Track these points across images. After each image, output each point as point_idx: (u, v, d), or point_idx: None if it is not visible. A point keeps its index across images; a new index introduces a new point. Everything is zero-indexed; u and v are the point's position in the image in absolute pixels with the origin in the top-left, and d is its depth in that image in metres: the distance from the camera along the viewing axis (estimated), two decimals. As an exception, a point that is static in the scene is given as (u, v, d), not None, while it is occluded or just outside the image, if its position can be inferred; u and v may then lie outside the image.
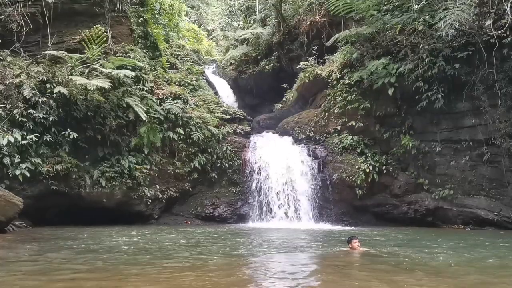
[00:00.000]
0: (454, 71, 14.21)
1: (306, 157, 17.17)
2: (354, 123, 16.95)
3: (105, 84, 13.54)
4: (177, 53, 26.00)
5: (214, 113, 18.84)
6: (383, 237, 11.55)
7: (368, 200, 16.52)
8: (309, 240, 10.87)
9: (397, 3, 16.25)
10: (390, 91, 15.62)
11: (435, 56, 14.61)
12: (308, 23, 21.63)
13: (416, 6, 14.38)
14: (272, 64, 23.94)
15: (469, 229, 14.83)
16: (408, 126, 16.17)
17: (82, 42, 14.58)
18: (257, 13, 27.73)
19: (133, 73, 14.74)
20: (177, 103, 16.77)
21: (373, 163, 16.17)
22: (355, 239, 8.13)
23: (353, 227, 15.06)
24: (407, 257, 7.79)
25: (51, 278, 5.47)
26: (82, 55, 14.58)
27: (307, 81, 18.98)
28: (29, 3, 15.07)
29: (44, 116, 13.17)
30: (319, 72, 18.40)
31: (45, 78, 13.68)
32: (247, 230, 13.61)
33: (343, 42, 17.83)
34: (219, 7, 38.45)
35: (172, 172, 16.38)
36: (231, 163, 17.47)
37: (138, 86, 16.00)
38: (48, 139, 13.26)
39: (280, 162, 17.02)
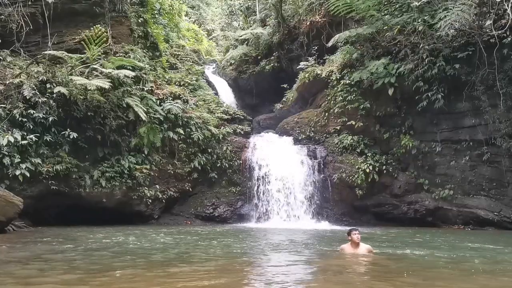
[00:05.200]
0: (454, 71, 14.22)
1: (306, 157, 17.18)
2: (354, 123, 16.95)
3: (105, 84, 13.53)
4: (177, 53, 25.97)
5: (214, 113, 18.83)
6: (384, 237, 11.55)
7: (368, 200, 16.53)
8: (309, 241, 10.87)
9: (397, 5, 16.25)
10: (390, 91, 15.63)
11: (435, 56, 14.61)
12: (308, 23, 21.64)
13: (417, 3, 14.35)
14: (272, 64, 23.94)
15: (469, 229, 14.84)
16: (408, 126, 16.18)
17: (82, 42, 14.58)
18: (257, 13, 27.74)
19: (133, 73, 14.73)
20: (177, 103, 16.76)
21: (373, 163, 16.17)
22: (355, 230, 7.85)
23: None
24: (410, 258, 7.79)
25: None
26: (82, 55, 14.58)
27: (307, 81, 18.98)
28: (29, 3, 15.06)
29: (44, 116, 13.16)
30: (319, 72, 18.40)
31: (45, 78, 13.67)
32: (247, 230, 13.60)
33: (343, 42, 17.84)
34: (219, 7, 38.45)
35: (172, 172, 16.38)
36: (231, 163, 17.46)
37: (138, 86, 15.99)
38: (48, 139, 13.25)
39: (280, 162, 17.02)
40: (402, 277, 5.93)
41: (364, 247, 7.87)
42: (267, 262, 7.42)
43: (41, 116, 13.11)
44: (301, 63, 20.01)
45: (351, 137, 17.00)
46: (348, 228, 8.46)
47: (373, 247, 8.08)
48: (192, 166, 16.66)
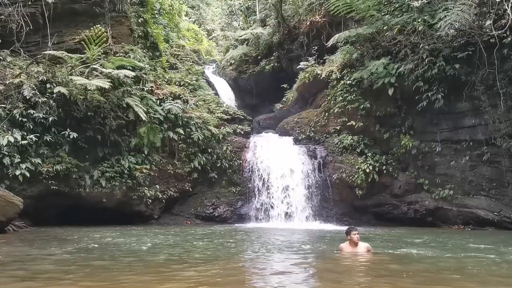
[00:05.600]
0: (454, 71, 14.21)
1: (306, 157, 17.17)
2: (354, 123, 16.95)
3: (105, 84, 13.54)
4: (177, 53, 25.97)
5: (214, 113, 18.82)
6: (384, 237, 11.55)
7: (368, 200, 16.52)
8: (308, 241, 10.86)
9: (397, 4, 16.25)
10: (390, 91, 15.62)
11: (435, 56, 14.61)
12: (308, 23, 21.64)
13: (417, 3, 14.35)
14: (272, 64, 23.95)
15: (469, 229, 14.83)
16: (408, 126, 16.18)
17: (82, 42, 14.58)
18: (257, 13, 27.74)
19: (133, 73, 14.73)
20: (177, 103, 16.76)
21: (373, 163, 16.16)
22: (355, 230, 7.79)
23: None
24: (413, 259, 7.78)
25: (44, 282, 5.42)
26: (82, 55, 14.59)
27: (307, 81, 18.98)
28: (29, 3, 15.07)
29: (44, 116, 13.17)
30: (319, 72, 18.40)
31: (45, 78, 13.68)
32: (247, 231, 13.59)
33: (343, 42, 17.84)
34: (219, 7, 38.47)
35: (172, 172, 16.38)
36: (231, 163, 17.46)
37: (138, 86, 15.99)
38: (48, 139, 13.26)
39: (280, 162, 17.02)
40: (402, 277, 5.93)
41: (363, 246, 7.84)
42: (266, 262, 7.41)
43: (41, 116, 13.12)
44: (301, 63, 20.00)
45: (351, 137, 16.99)
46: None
47: (372, 247, 8.08)
48: (192, 166, 16.65)
